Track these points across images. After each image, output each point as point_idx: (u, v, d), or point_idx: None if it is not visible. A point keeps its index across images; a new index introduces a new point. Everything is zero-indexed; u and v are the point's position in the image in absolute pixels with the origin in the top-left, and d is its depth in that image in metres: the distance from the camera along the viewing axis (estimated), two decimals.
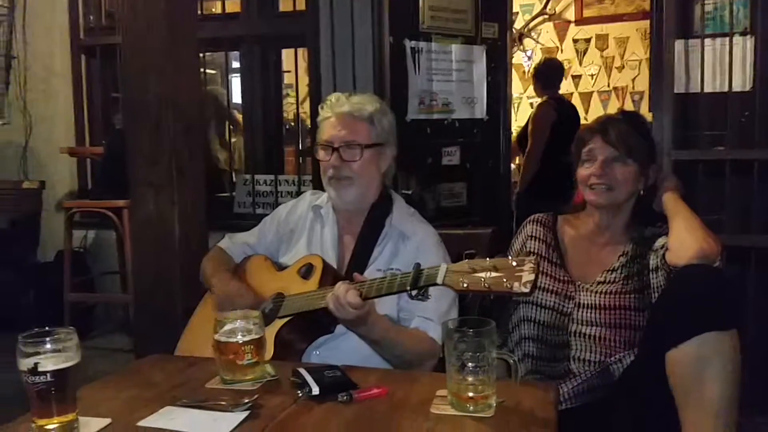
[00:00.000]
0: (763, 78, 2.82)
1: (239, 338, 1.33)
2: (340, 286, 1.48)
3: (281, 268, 1.84)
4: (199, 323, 1.89)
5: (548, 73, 4.40)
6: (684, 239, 1.59)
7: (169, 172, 2.27)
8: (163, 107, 2.30)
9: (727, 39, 2.83)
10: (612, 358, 1.68)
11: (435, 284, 1.34)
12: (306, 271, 1.71)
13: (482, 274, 1.24)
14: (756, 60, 2.82)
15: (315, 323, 1.62)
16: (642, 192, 1.80)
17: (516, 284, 1.19)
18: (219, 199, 4.09)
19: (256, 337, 1.34)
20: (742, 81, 2.85)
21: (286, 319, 1.63)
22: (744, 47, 2.84)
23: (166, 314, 2.24)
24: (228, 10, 3.95)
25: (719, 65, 2.87)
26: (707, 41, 2.87)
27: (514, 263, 1.22)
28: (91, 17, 4.41)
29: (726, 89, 2.84)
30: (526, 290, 1.18)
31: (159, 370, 1.47)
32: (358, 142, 1.76)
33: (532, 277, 1.19)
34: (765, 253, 2.80)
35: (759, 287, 2.80)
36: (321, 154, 1.80)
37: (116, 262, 4.14)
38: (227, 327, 1.35)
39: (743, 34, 2.84)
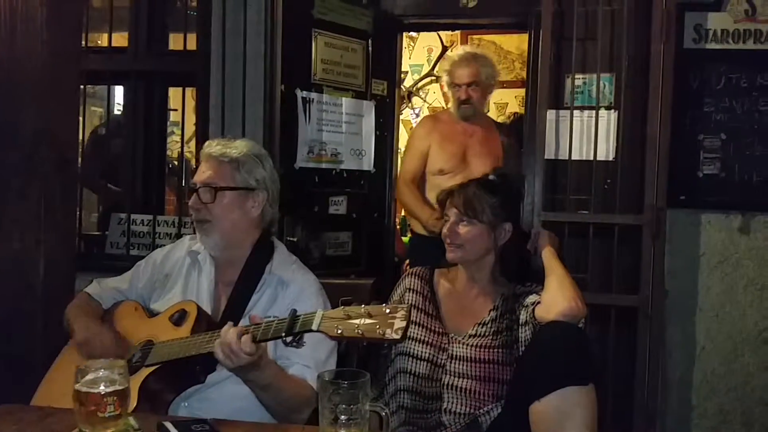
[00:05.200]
0: (625, 149, 3.09)
1: (102, 389, 1.25)
2: (230, 330, 1.42)
3: (153, 314, 1.77)
4: (59, 372, 1.77)
5: None
6: (555, 297, 1.71)
7: (38, 208, 2.13)
8: (37, 140, 2.17)
9: (594, 112, 3.09)
10: (480, 411, 1.74)
11: (310, 330, 1.34)
12: (179, 318, 1.65)
13: (356, 321, 1.26)
14: (619, 133, 3.09)
15: (184, 372, 1.57)
16: (498, 248, 1.91)
17: (388, 331, 1.22)
18: (89, 238, 3.88)
19: (120, 387, 1.27)
20: (606, 151, 3.12)
21: (153, 368, 1.56)
22: (609, 120, 3.12)
23: (25, 361, 2.07)
24: (115, 43, 3.83)
25: (586, 135, 3.12)
26: (576, 113, 3.11)
27: (388, 310, 1.25)
28: None
29: (592, 158, 3.08)
30: (398, 337, 1.22)
31: (12, 421, 1.36)
32: (216, 183, 1.74)
33: (403, 324, 1.22)
34: (624, 312, 3.02)
35: (618, 343, 3.01)
36: (189, 197, 1.79)
37: None
38: (89, 377, 1.27)
39: (608, 108, 3.12)
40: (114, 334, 1.72)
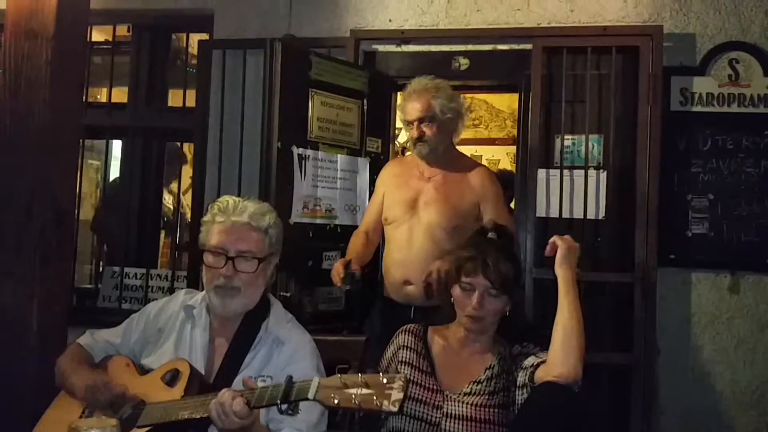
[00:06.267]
0: (614, 208, 3.14)
1: None
2: (225, 393, 1.43)
3: (144, 371, 1.75)
4: (49, 425, 1.74)
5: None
6: (556, 358, 1.71)
7: (33, 262, 2.14)
8: (35, 194, 2.20)
9: (583, 171, 3.16)
10: None
11: (306, 399, 1.34)
12: (171, 378, 1.64)
13: (353, 390, 1.26)
14: (608, 192, 3.15)
15: None
16: (507, 313, 1.92)
17: (385, 402, 1.22)
18: (81, 291, 3.87)
19: None
20: (595, 209, 3.17)
21: (144, 430, 1.54)
22: (598, 180, 3.18)
23: (14, 416, 2.04)
24: (114, 95, 3.91)
25: (576, 194, 3.17)
26: (566, 172, 3.18)
27: (385, 380, 1.26)
28: None
29: (582, 216, 3.13)
30: (395, 409, 1.22)
31: None
32: (255, 254, 1.74)
33: (400, 395, 1.23)
34: (615, 370, 3.02)
35: (611, 401, 2.99)
36: (211, 260, 1.74)
37: None
38: None
39: (597, 168, 3.19)
40: (115, 381, 1.70)
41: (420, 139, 2.66)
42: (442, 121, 2.65)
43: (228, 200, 1.80)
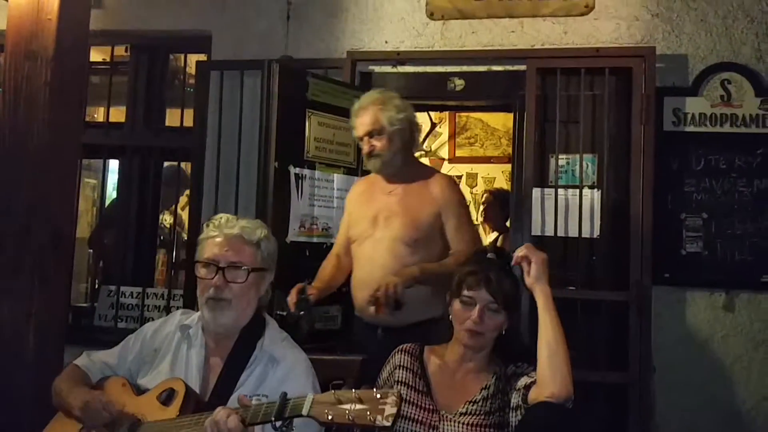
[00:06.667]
0: (609, 227, 3.17)
1: None
2: (220, 411, 1.44)
3: (141, 391, 1.76)
4: None
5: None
6: (545, 378, 1.72)
7: (31, 281, 2.15)
8: (34, 214, 2.21)
9: (578, 190, 3.18)
10: None
11: (300, 415, 1.35)
12: (167, 397, 1.65)
13: (347, 406, 1.27)
14: (603, 211, 3.18)
15: None
16: (503, 331, 1.93)
17: (378, 417, 1.24)
18: (77, 309, 3.86)
19: None
20: (590, 228, 3.19)
21: None
22: (592, 199, 3.20)
23: None
24: (112, 118, 3.93)
25: (571, 213, 3.20)
26: (560, 191, 3.21)
27: (378, 395, 1.27)
28: None
29: (577, 235, 3.15)
30: (388, 424, 1.23)
31: None
32: (246, 265, 1.77)
33: (394, 410, 1.24)
34: (611, 389, 3.02)
35: (608, 420, 2.99)
36: (203, 272, 1.78)
37: None
38: None
39: (592, 187, 3.22)
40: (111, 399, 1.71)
41: (371, 153, 2.60)
42: (391, 132, 2.57)
43: (222, 216, 1.86)
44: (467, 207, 2.71)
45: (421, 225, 2.55)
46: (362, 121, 2.60)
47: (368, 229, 2.63)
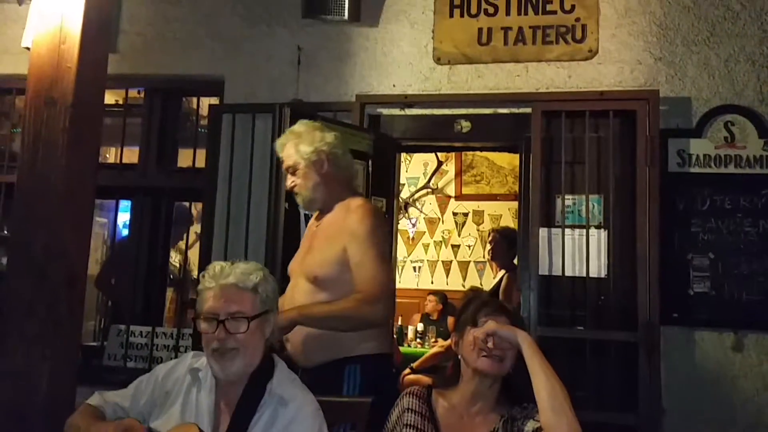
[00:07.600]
0: (616, 267, 3.18)
1: None
2: None
3: None
4: None
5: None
6: (551, 423, 1.72)
7: (46, 324, 2.17)
8: (49, 256, 2.25)
9: (585, 230, 3.21)
10: None
11: None
12: None
13: None
14: (609, 251, 3.20)
15: None
16: (510, 370, 1.94)
17: None
18: (86, 349, 3.88)
19: None
20: (598, 268, 3.21)
21: None
22: (599, 239, 3.23)
23: None
24: (125, 160, 4.00)
25: (578, 253, 3.22)
26: (567, 231, 3.23)
27: None
28: None
29: (584, 274, 3.17)
30: None
31: None
32: (245, 314, 1.78)
33: None
34: (620, 430, 3.00)
35: None
36: (204, 326, 1.78)
37: None
38: None
39: (598, 227, 3.24)
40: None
41: (292, 190, 2.46)
42: (305, 167, 2.40)
43: (216, 266, 1.84)
44: (380, 238, 2.34)
45: (325, 262, 2.33)
46: (283, 157, 2.47)
47: (295, 268, 2.48)
